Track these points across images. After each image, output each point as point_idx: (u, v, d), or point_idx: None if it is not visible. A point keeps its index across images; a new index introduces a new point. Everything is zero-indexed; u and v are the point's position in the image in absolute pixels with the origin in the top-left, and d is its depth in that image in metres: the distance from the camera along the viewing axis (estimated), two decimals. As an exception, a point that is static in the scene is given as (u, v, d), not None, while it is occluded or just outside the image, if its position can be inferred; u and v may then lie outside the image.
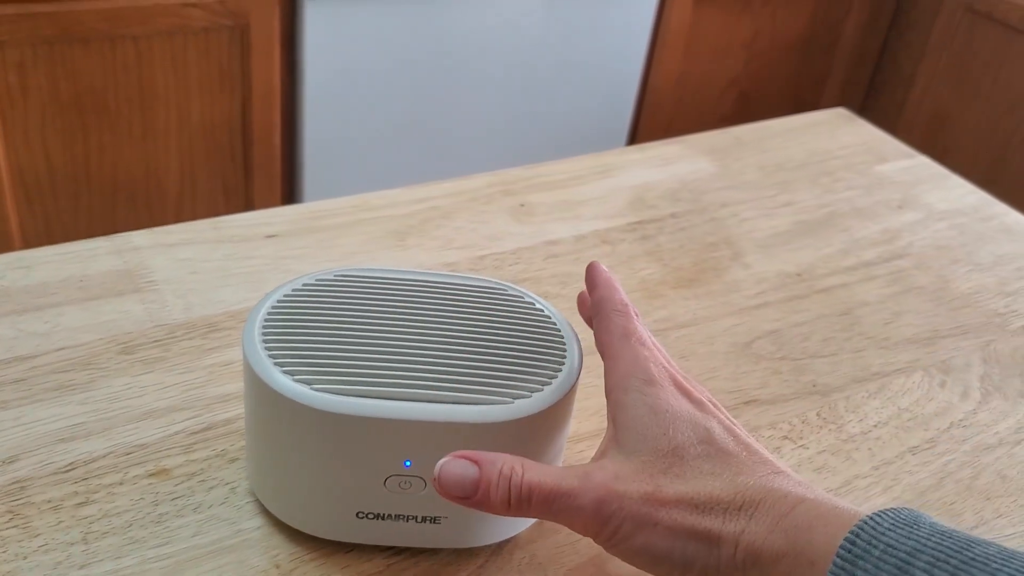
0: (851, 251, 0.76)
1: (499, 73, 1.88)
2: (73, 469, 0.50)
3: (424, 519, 0.46)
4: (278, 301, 0.48)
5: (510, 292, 0.51)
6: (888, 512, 0.36)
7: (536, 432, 0.45)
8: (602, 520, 0.39)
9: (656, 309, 0.67)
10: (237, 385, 0.56)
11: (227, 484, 0.50)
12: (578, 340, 0.48)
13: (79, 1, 1.48)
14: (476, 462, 0.41)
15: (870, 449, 0.58)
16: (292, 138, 1.78)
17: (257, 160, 1.74)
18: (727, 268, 0.72)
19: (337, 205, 0.73)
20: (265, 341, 0.45)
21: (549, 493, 0.40)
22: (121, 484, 0.49)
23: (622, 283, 0.67)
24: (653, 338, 0.46)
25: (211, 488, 0.50)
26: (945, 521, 0.53)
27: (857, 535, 0.35)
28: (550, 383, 0.45)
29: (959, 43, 2.18)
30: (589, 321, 0.49)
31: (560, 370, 0.46)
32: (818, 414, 0.60)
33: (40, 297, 0.60)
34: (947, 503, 0.55)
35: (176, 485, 0.50)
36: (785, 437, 0.58)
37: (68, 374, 0.55)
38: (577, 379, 0.46)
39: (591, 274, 0.50)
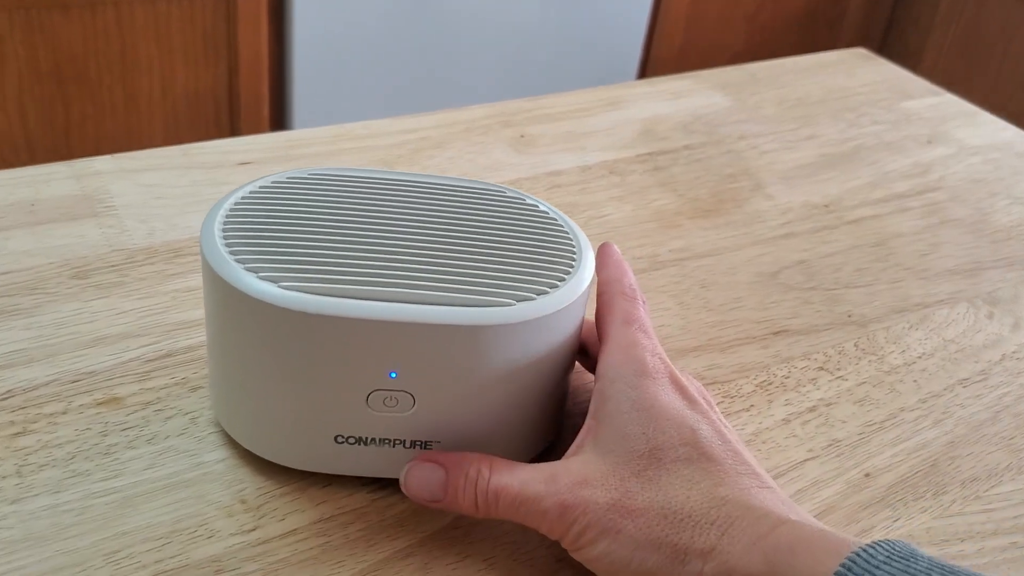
0: (880, 184, 0.70)
1: (495, 40, 1.82)
2: (10, 397, 0.43)
3: (413, 444, 0.39)
4: (243, 198, 0.41)
5: (509, 194, 0.44)
6: (883, 544, 0.32)
7: (540, 341, 0.39)
8: (565, 526, 0.36)
9: (672, 239, 0.60)
10: (202, 312, 0.49)
11: (187, 414, 0.44)
12: (590, 245, 0.42)
13: (56, -38, 1.42)
14: (443, 465, 0.38)
15: (915, 381, 0.51)
16: (281, 109, 1.71)
17: (245, 132, 1.67)
18: (748, 199, 0.66)
19: (317, 134, 0.67)
20: (226, 237, 0.39)
21: (515, 497, 0.37)
22: (64, 413, 0.43)
23: (633, 215, 0.61)
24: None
25: (168, 418, 0.43)
26: (1006, 457, 0.47)
27: (850, 568, 0.31)
28: (559, 285, 0.39)
29: (967, 17, 2.12)
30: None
31: (571, 272, 0.40)
32: (856, 345, 0.54)
33: (-16, 220, 0.54)
34: (1006, 438, 0.48)
35: (128, 415, 0.43)
36: (821, 368, 0.51)
37: (11, 298, 0.49)
38: (589, 285, 0.40)
39: (602, 253, 0.45)
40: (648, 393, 0.38)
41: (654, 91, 0.78)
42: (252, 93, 1.64)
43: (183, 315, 0.49)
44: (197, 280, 0.51)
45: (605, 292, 0.42)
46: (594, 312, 0.43)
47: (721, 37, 2.10)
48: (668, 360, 0.40)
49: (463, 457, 0.38)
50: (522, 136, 0.69)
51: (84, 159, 0.60)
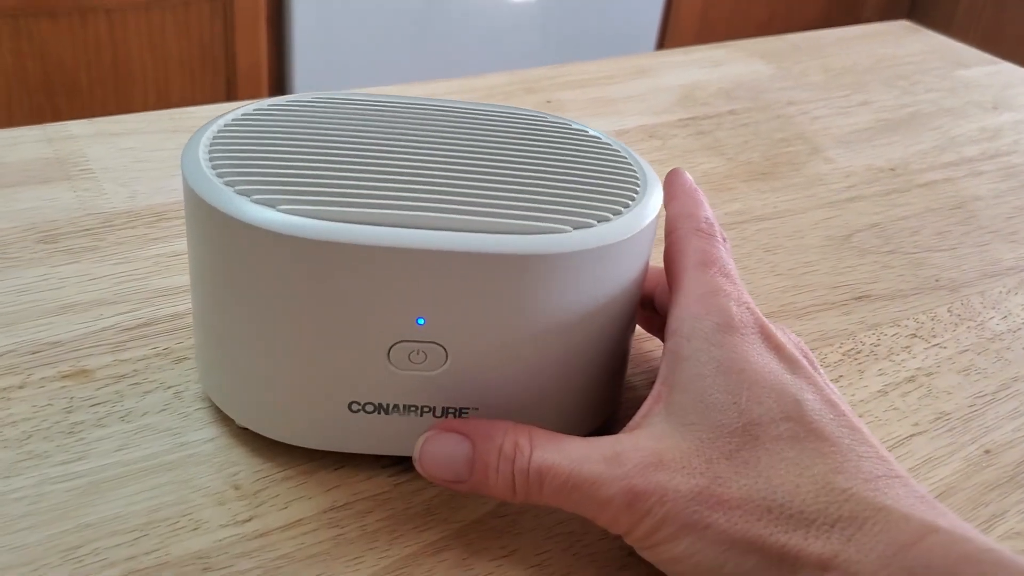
0: (948, 148, 0.63)
1: (501, 44, 1.76)
2: (-45, 370, 0.36)
3: (445, 412, 0.32)
4: (234, 119, 0.34)
5: (550, 119, 0.37)
6: None
7: (602, 277, 0.31)
8: (635, 518, 0.28)
9: (726, 202, 0.53)
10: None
11: (169, 388, 0.36)
12: (654, 172, 0.35)
13: (46, -33, 1.36)
14: (468, 436, 0.30)
15: (1025, 349, 0.44)
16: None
17: (243, 146, 1.61)
18: (806, 162, 0.58)
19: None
20: (212, 157, 0.31)
21: (566, 480, 0.29)
22: (21, 388, 0.35)
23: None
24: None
25: (147, 393, 0.36)
26: None
27: None
28: (622, 212, 0.31)
29: (988, 16, 2.07)
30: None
31: (635, 197, 0.32)
32: (949, 310, 0.46)
33: (-61, 183, 0.47)
34: None
35: (98, 389, 0.36)
36: (913, 335, 0.44)
37: (-36, 263, 0.41)
38: (658, 212, 0.33)
39: (670, 182, 0.36)
40: (737, 352, 0.30)
41: (688, 59, 0.72)
42: (251, 106, 1.58)
43: (167, 281, 0.42)
44: (184, 245, 0.44)
45: (675, 229, 0.34)
46: (662, 255, 0.35)
47: (738, 20, 2.03)
48: (758, 311, 0.32)
49: (494, 426, 0.30)
50: (548, 101, 0.62)
51: (58, 123, 0.53)
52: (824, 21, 2.14)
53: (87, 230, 0.45)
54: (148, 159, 0.51)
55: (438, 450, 0.30)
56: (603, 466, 0.29)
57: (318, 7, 1.54)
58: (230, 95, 1.55)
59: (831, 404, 0.29)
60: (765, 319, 0.32)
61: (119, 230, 0.45)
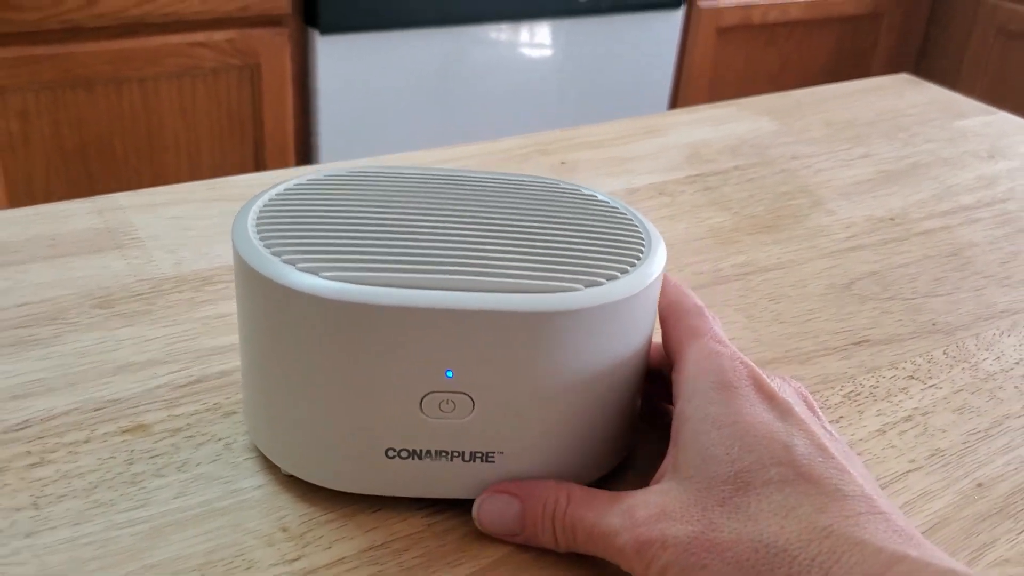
0: (945, 197, 0.66)
1: (518, 110, 1.81)
2: (27, 427, 0.39)
3: (473, 456, 0.35)
4: (278, 194, 0.38)
5: (563, 185, 0.41)
6: None
7: (613, 330, 0.34)
8: (644, 564, 0.32)
9: (732, 255, 0.56)
10: (236, 337, 0.46)
11: (220, 440, 0.39)
12: (658, 233, 0.38)
13: (82, 43, 1.42)
14: (518, 496, 0.35)
15: (1017, 387, 0.47)
16: (307, 182, 1.70)
17: (271, 207, 1.66)
18: (808, 215, 0.62)
19: (350, 166, 0.64)
20: (260, 229, 0.35)
21: (590, 531, 0.33)
22: (86, 442, 0.39)
23: (687, 232, 0.57)
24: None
25: (200, 445, 0.39)
26: None
27: None
28: (629, 271, 0.35)
29: (993, 66, 2.10)
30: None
31: (641, 256, 0.36)
32: (945, 352, 0.49)
33: (1, 255, 0.51)
34: None
35: (156, 442, 0.39)
36: (911, 377, 0.47)
37: (29, 329, 0.45)
38: (663, 269, 0.36)
39: None
40: (730, 407, 0.33)
41: (695, 119, 0.75)
42: (278, 168, 1.63)
43: (214, 341, 0.45)
44: (229, 307, 0.48)
45: (668, 316, 0.38)
46: (661, 339, 0.38)
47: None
48: (753, 365, 0.35)
49: (540, 486, 0.35)
50: (563, 163, 0.66)
51: (106, 195, 0.58)
52: (834, 70, 2.18)
53: (139, 295, 0.48)
54: (191, 227, 0.55)
55: (493, 509, 0.35)
56: (619, 519, 0.32)
57: (342, 74, 1.60)
58: (258, 159, 1.61)
59: (820, 448, 0.32)
60: (760, 371, 0.35)
61: (168, 294, 0.49)
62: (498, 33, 1.72)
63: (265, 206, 0.37)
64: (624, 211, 0.39)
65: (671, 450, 0.34)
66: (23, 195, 1.47)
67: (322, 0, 1.53)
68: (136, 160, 1.54)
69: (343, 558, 0.35)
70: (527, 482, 0.35)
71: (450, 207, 0.37)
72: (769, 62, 2.08)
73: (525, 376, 0.34)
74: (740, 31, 2.01)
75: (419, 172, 0.40)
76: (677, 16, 1.88)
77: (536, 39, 1.77)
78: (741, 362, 0.35)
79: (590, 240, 0.36)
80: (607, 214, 0.38)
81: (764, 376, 0.35)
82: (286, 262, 0.33)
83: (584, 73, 1.84)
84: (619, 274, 0.34)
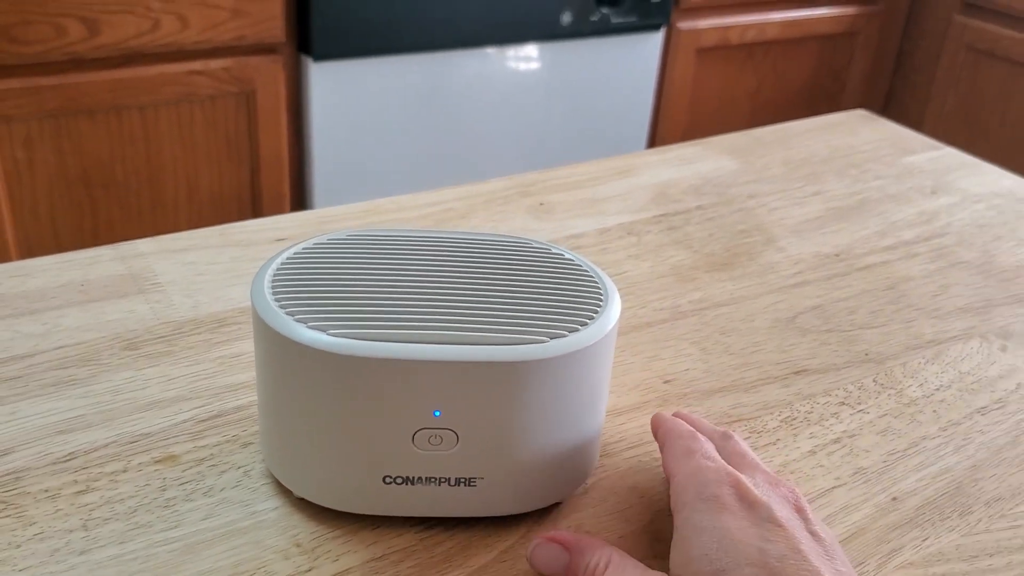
0: (888, 232, 0.72)
1: (505, 130, 1.88)
2: (72, 459, 0.46)
3: (458, 481, 0.42)
4: (288, 258, 0.44)
5: (535, 245, 0.47)
6: None
7: (574, 375, 0.41)
8: None
9: (690, 291, 0.63)
10: (249, 375, 0.52)
11: (240, 468, 0.46)
12: (614, 287, 0.45)
13: (84, 73, 1.49)
14: (569, 549, 0.40)
15: (935, 411, 0.53)
16: (302, 206, 1.76)
17: (267, 227, 1.72)
18: (761, 252, 0.68)
19: (347, 210, 0.70)
20: (275, 291, 0.41)
21: None
22: (124, 472, 0.45)
23: (651, 271, 0.64)
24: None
25: (223, 472, 0.46)
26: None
27: None
28: (588, 324, 0.41)
29: (964, 83, 2.18)
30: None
31: (598, 311, 0.42)
32: (875, 380, 0.55)
33: (38, 301, 0.57)
34: (1027, 460, 0.50)
35: (184, 471, 0.45)
36: (842, 403, 0.53)
37: (67, 370, 0.51)
38: (616, 321, 0.43)
39: (655, 422, 0.47)
40: (711, 515, 0.38)
41: (664, 158, 0.82)
42: (273, 191, 1.69)
43: (230, 378, 0.52)
44: (242, 347, 0.54)
45: (666, 440, 0.44)
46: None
47: (725, 115, 2.16)
48: (739, 476, 0.40)
49: (589, 545, 0.40)
50: (541, 204, 0.73)
51: (127, 242, 0.64)
52: (811, 87, 2.26)
53: (161, 337, 0.55)
54: (206, 271, 0.61)
55: (545, 554, 0.41)
56: None
57: (334, 99, 1.66)
58: (254, 183, 1.67)
59: (795, 550, 0.36)
60: (745, 481, 0.39)
61: (187, 336, 0.55)
62: (485, 56, 1.79)
63: (277, 271, 0.43)
64: (587, 268, 0.45)
65: (671, 552, 0.39)
66: (29, 219, 1.53)
67: (315, 28, 1.59)
68: (136, 184, 1.60)
69: (349, 568, 0.41)
70: (577, 537, 0.40)
71: (437, 268, 0.44)
72: (748, 81, 2.15)
73: (501, 415, 0.40)
74: (719, 51, 2.08)
75: (409, 235, 0.47)
76: (657, 38, 1.95)
77: (522, 61, 1.84)
78: (727, 474, 0.40)
79: (556, 296, 0.43)
80: (570, 270, 0.45)
81: (749, 484, 0.39)
82: (298, 321, 0.40)
83: (569, 94, 1.91)
84: (579, 327, 0.41)
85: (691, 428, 0.44)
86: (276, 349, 0.40)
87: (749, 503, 0.38)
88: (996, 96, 2.12)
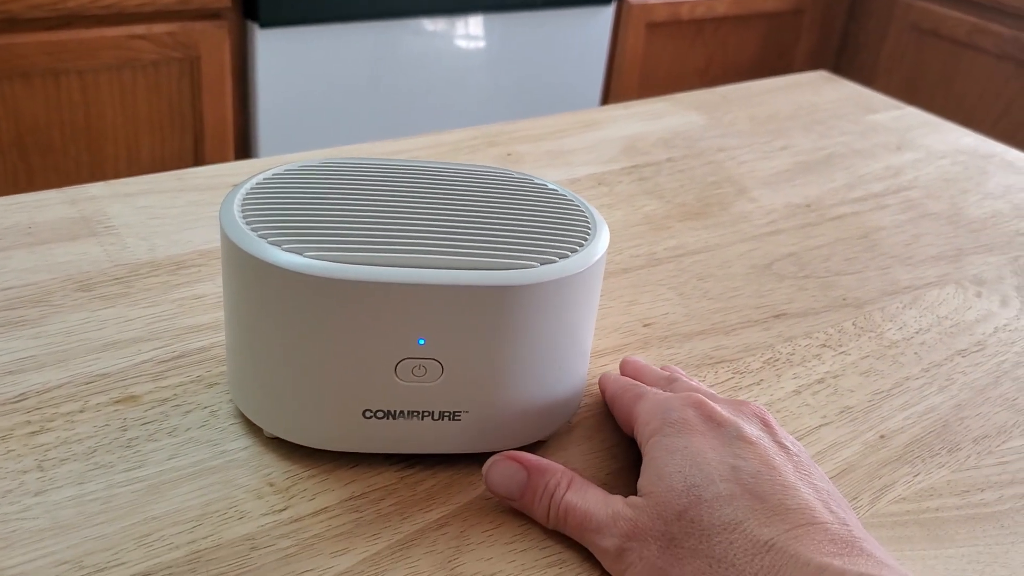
0: (857, 185, 0.72)
1: (453, 102, 1.85)
2: (23, 399, 0.43)
3: (442, 415, 0.40)
4: (260, 182, 0.42)
5: (517, 176, 0.45)
6: None
7: (563, 302, 0.39)
8: (622, 568, 0.36)
9: (664, 239, 0.62)
10: (212, 316, 0.49)
11: (206, 407, 0.43)
12: (601, 217, 0.43)
13: (18, 34, 1.42)
14: (526, 468, 0.39)
15: (916, 353, 0.53)
16: (247, 173, 1.72)
17: (211, 198, 1.67)
18: (733, 202, 0.67)
19: (305, 157, 0.68)
20: (246, 214, 0.39)
21: (580, 523, 0.37)
22: (82, 412, 0.42)
23: (624, 219, 0.63)
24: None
25: (188, 412, 0.43)
26: (1012, 416, 0.48)
27: None
28: (578, 251, 0.40)
29: (909, 62, 2.20)
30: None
31: (587, 238, 0.40)
32: (854, 323, 0.55)
33: (-18, 243, 0.54)
34: (1009, 399, 0.50)
35: (147, 411, 0.43)
36: (824, 345, 0.52)
37: (16, 311, 0.48)
38: (605, 250, 0.41)
39: (601, 384, 0.46)
40: (681, 437, 0.37)
41: (630, 113, 0.81)
42: (218, 160, 1.65)
43: (192, 320, 0.49)
44: (203, 288, 0.51)
45: (614, 401, 0.43)
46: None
47: (674, 90, 2.16)
48: (703, 398, 0.39)
49: (547, 466, 0.39)
50: (509, 154, 0.71)
51: (77, 186, 0.61)
52: (759, 64, 2.27)
53: (117, 279, 0.52)
54: (162, 215, 0.58)
55: (501, 472, 0.39)
56: (607, 518, 0.36)
57: (280, 66, 1.62)
58: (197, 151, 1.62)
59: (768, 465, 0.35)
60: (709, 403, 0.38)
61: (144, 278, 0.52)
62: (434, 26, 1.76)
63: (248, 193, 0.40)
64: (571, 198, 0.44)
65: (640, 480, 0.38)
66: (-40, 187, 1.47)
67: (261, -7, 1.55)
68: (75, 151, 1.54)
69: (326, 507, 0.39)
70: (539, 458, 0.39)
71: (418, 193, 0.42)
72: (697, 56, 2.15)
73: (488, 343, 0.38)
74: (669, 26, 2.07)
75: (387, 162, 0.44)
76: (608, 12, 1.93)
77: (471, 33, 1.81)
78: (689, 398, 0.39)
79: (543, 223, 0.41)
80: (556, 200, 0.43)
81: (714, 405, 0.38)
82: (272, 243, 0.37)
83: (518, 66, 1.89)
84: (569, 253, 0.39)
85: (631, 380, 0.44)
86: (248, 274, 0.38)
87: (716, 423, 0.38)
88: (939, 75, 2.15)
